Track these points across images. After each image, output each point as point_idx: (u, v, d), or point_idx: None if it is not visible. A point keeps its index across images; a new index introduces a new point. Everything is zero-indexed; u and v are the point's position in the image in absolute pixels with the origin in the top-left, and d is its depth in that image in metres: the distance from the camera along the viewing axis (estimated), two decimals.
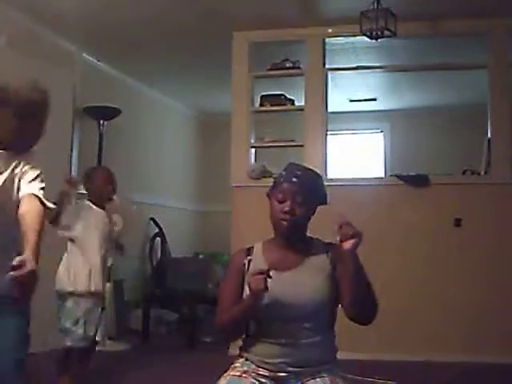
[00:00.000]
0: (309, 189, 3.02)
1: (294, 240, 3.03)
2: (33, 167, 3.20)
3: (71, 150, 6.95)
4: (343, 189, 6.58)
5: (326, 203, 3.21)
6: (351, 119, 10.00)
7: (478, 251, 6.24)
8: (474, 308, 6.14)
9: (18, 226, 2.82)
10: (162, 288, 7.94)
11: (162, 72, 8.36)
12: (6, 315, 2.90)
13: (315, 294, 2.87)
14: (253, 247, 3.14)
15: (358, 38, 6.11)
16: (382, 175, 9.20)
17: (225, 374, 2.89)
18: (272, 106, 7.03)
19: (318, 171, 3.14)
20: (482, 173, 6.54)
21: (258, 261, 3.01)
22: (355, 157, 10.38)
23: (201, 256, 9.72)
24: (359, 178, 7.13)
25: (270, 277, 2.70)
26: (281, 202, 3.01)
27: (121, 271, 7.57)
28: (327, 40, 6.82)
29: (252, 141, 6.95)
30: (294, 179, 2.98)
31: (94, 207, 4.78)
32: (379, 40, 5.82)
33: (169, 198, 9.25)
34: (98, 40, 7.11)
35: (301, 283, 2.88)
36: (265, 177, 6.70)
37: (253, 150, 7.01)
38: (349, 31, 6.44)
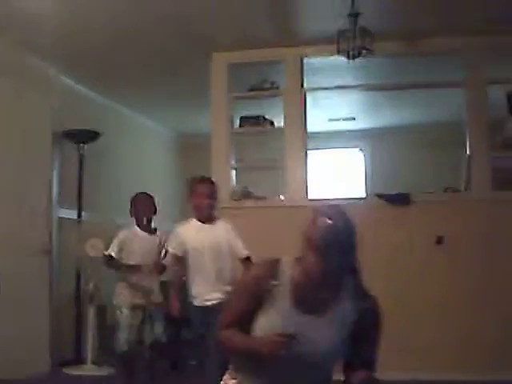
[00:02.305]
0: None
1: (328, 283, 2.73)
2: None
3: (51, 174, 6.92)
4: None
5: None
6: (331, 138, 10.03)
7: (460, 268, 6.25)
8: (457, 324, 6.14)
9: None
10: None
11: (141, 94, 8.36)
12: None
13: (332, 348, 2.71)
14: (280, 265, 2.85)
15: (336, 57, 6.12)
16: (363, 194, 9.20)
17: None
18: (252, 126, 7.04)
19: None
20: (463, 189, 6.56)
21: (282, 294, 2.72)
22: (336, 176, 10.39)
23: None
24: (340, 199, 7.11)
25: (294, 339, 2.52)
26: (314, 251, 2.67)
27: (104, 297, 7.51)
28: (305, 60, 6.84)
29: (232, 162, 6.95)
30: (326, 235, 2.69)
31: (140, 233, 5.75)
32: (356, 60, 5.83)
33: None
34: (76, 63, 7.09)
35: (321, 333, 2.69)
36: (247, 198, 6.71)
37: (234, 171, 7.00)
38: (327, 51, 6.43)
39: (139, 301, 5.61)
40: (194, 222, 4.96)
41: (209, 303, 4.79)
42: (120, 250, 5.69)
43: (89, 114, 7.82)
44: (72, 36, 6.36)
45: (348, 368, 2.77)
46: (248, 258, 4.99)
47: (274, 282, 2.74)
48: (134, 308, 5.52)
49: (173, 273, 5.13)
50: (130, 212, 5.82)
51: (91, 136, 7.39)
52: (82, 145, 7.41)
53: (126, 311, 5.50)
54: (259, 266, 2.95)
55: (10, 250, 6.18)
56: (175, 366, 6.97)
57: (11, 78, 6.34)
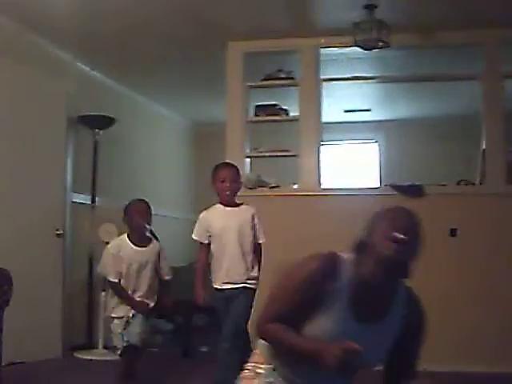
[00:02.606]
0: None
1: (388, 292, 2.63)
2: None
3: (66, 159, 6.95)
4: (338, 199, 6.62)
5: None
6: (346, 129, 10.01)
7: (473, 261, 6.25)
8: (469, 316, 6.14)
9: None
10: (157, 297, 7.91)
11: (157, 82, 8.37)
12: None
13: (383, 355, 2.66)
14: (339, 262, 2.63)
15: (352, 48, 6.12)
16: (377, 185, 9.20)
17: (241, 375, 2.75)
18: (267, 116, 7.05)
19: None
20: (477, 183, 6.55)
21: (341, 296, 2.55)
22: (350, 167, 10.39)
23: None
24: (354, 188, 7.13)
25: (360, 354, 2.32)
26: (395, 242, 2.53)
27: None
28: (321, 50, 6.83)
29: (247, 151, 6.96)
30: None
31: (134, 248, 5.25)
32: (373, 51, 5.83)
33: (164, 207, 9.24)
34: (92, 49, 7.12)
35: (376, 342, 2.56)
36: (260, 186, 6.72)
37: (248, 160, 7.02)
38: (343, 42, 6.45)
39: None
40: (218, 207, 5.00)
41: (229, 286, 4.85)
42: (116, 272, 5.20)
43: (104, 101, 7.84)
44: (88, 22, 6.38)
45: (389, 370, 2.75)
46: (260, 244, 5.09)
47: (335, 284, 2.54)
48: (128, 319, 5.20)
49: (197, 261, 5.10)
50: (124, 220, 5.37)
51: (106, 122, 7.41)
52: (96, 130, 7.43)
53: (119, 322, 5.14)
54: (317, 259, 2.61)
55: (24, 235, 6.21)
56: (186, 353, 6.99)
57: (27, 63, 6.37)
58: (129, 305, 5.12)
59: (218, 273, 4.93)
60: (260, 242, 5.06)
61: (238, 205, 5.05)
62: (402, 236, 2.53)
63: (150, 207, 5.38)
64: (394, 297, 2.63)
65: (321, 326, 2.54)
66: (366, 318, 2.55)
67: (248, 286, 4.88)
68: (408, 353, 2.72)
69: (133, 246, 5.22)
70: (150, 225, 5.37)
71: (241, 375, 2.76)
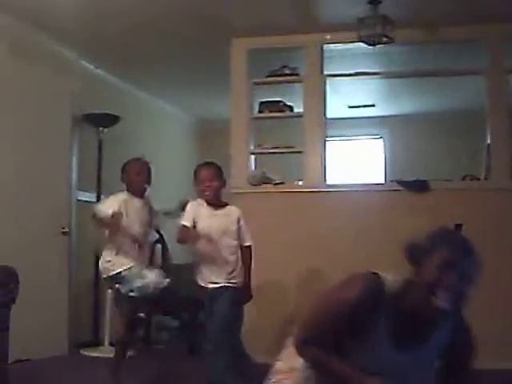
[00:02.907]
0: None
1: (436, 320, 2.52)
2: None
3: (71, 158, 6.96)
4: (343, 194, 6.62)
5: None
6: (350, 125, 10.00)
7: None
8: (472, 313, 6.13)
9: None
10: (163, 294, 7.92)
11: (161, 79, 8.37)
12: None
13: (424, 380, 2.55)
14: (384, 285, 2.52)
15: (356, 44, 6.11)
16: (382, 181, 9.20)
17: None
18: (271, 112, 7.04)
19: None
20: (482, 178, 6.55)
21: (385, 322, 2.47)
22: (354, 163, 10.39)
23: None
24: (359, 184, 7.13)
25: None
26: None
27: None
28: (325, 46, 6.83)
29: (251, 147, 6.96)
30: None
31: (133, 197, 5.24)
32: (377, 46, 5.83)
33: (168, 204, 9.23)
34: (97, 47, 7.12)
35: (419, 369, 2.49)
36: (265, 183, 6.72)
37: (252, 157, 7.02)
38: (347, 38, 6.43)
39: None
40: (205, 206, 4.99)
41: (212, 286, 4.83)
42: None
43: (108, 99, 7.85)
44: (92, 21, 6.39)
45: None
46: (248, 247, 5.01)
47: (380, 308, 2.45)
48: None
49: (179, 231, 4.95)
50: (122, 179, 5.39)
51: (111, 120, 7.42)
52: (101, 129, 7.44)
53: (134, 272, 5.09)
54: (363, 281, 2.53)
55: (30, 234, 6.23)
56: (192, 350, 7.00)
57: (31, 61, 6.39)
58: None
59: (202, 273, 4.92)
60: (246, 244, 4.98)
61: (223, 205, 5.06)
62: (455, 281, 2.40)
63: (149, 166, 5.53)
64: (438, 323, 2.51)
65: (368, 354, 2.47)
66: (406, 344, 2.46)
67: (231, 285, 4.84)
68: (458, 376, 2.61)
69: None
70: (149, 184, 5.51)
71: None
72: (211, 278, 4.83)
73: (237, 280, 4.87)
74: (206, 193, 4.96)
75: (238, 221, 4.97)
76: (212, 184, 4.99)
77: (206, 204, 4.98)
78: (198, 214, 4.91)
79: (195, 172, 5.16)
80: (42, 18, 6.21)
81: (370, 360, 2.43)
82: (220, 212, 4.97)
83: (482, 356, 5.29)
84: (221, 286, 4.80)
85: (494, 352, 5.98)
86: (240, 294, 4.89)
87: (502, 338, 6.04)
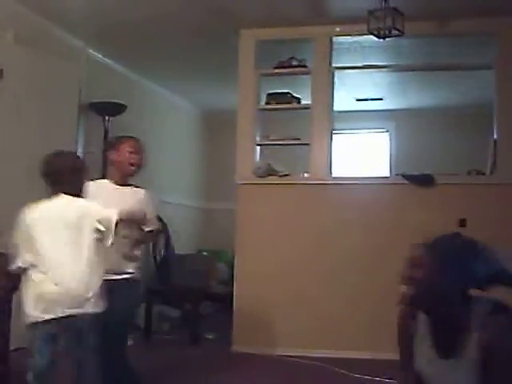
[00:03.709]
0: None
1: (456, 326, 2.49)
2: None
3: (76, 146, 6.95)
4: (348, 188, 6.61)
5: None
6: (357, 118, 9.98)
7: None
8: None
9: None
10: (165, 284, 7.93)
11: (168, 69, 8.36)
12: None
13: None
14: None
15: (366, 37, 6.08)
16: (387, 174, 9.20)
17: None
18: (278, 104, 7.03)
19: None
20: (488, 173, 6.52)
21: (423, 335, 2.58)
22: (360, 156, 10.38)
23: (204, 253, 9.74)
24: (364, 177, 7.12)
25: None
26: None
27: None
28: (334, 39, 6.81)
29: (257, 139, 6.95)
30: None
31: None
32: (386, 39, 5.80)
33: (173, 194, 9.24)
34: (104, 36, 7.11)
35: (459, 377, 2.43)
36: (270, 175, 6.71)
37: (258, 148, 7.01)
38: (356, 30, 6.42)
39: None
40: (107, 184, 4.36)
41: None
42: None
43: (115, 88, 7.84)
44: (100, 10, 6.37)
45: None
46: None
47: (415, 324, 2.59)
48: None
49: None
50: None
51: (117, 109, 7.41)
52: (107, 117, 7.43)
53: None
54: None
55: None
56: (194, 340, 7.00)
57: (40, 50, 6.37)
58: None
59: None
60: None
61: (130, 185, 4.38)
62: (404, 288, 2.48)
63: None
64: (466, 326, 2.43)
65: (420, 368, 2.56)
66: (446, 353, 2.46)
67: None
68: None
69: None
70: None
71: None
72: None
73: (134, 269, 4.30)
74: (133, 168, 4.31)
75: (145, 202, 4.26)
76: (142, 159, 4.38)
77: (109, 182, 4.39)
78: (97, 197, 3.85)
79: (117, 140, 4.46)
80: (49, 6, 6.21)
81: (425, 374, 2.58)
82: (126, 191, 4.30)
83: None
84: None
85: None
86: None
87: None
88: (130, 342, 6.74)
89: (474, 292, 2.48)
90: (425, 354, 2.53)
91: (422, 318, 2.53)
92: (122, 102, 7.41)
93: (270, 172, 6.74)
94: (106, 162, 7.26)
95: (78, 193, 3.71)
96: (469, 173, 6.64)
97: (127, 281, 4.18)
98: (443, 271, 2.42)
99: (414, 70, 7.50)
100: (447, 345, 2.45)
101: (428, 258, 2.47)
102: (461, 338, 2.41)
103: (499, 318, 2.37)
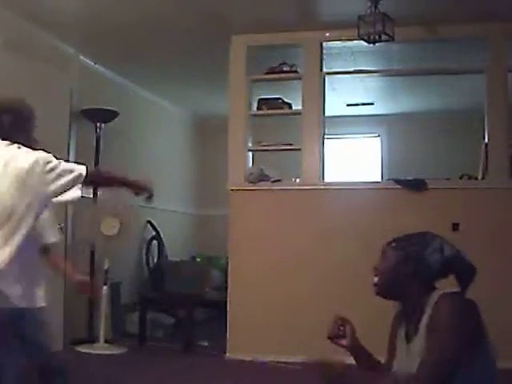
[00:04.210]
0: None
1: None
2: None
3: (68, 153, 6.93)
4: (340, 193, 6.62)
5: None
6: (348, 123, 10.00)
7: (475, 256, 6.18)
8: None
9: None
10: (159, 291, 7.93)
11: (160, 75, 8.36)
12: None
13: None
14: None
15: (356, 42, 6.10)
16: (379, 179, 9.21)
17: None
18: (269, 109, 7.03)
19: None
20: (480, 177, 6.54)
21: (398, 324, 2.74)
22: (352, 161, 10.39)
23: (198, 260, 9.73)
24: (356, 182, 7.14)
25: None
26: None
27: (117, 274, 7.56)
28: (325, 44, 6.82)
29: (249, 144, 6.95)
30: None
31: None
32: (377, 44, 5.81)
33: (166, 201, 9.23)
34: (95, 43, 7.11)
35: (411, 363, 2.45)
36: (262, 180, 6.71)
37: (250, 154, 7.01)
38: (346, 35, 6.44)
39: None
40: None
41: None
42: None
43: (106, 94, 7.83)
44: (91, 16, 6.37)
45: None
46: None
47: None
48: None
49: None
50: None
51: (109, 115, 7.40)
52: (99, 124, 7.42)
53: None
54: None
55: None
56: (187, 347, 6.99)
57: (29, 57, 6.35)
58: None
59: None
60: None
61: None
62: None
63: None
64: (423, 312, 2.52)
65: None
66: (408, 338, 2.61)
67: None
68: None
69: None
70: None
71: None
72: None
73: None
74: None
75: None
76: None
77: None
78: None
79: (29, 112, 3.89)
80: (40, 13, 6.19)
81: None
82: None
83: None
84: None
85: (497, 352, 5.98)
86: None
87: (502, 337, 6.02)
88: (123, 349, 6.77)
89: (438, 284, 2.65)
90: (400, 349, 2.63)
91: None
92: (114, 109, 7.40)
93: (262, 177, 6.74)
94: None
95: None
96: (461, 177, 6.66)
97: None
98: (402, 263, 2.59)
99: (404, 75, 7.51)
100: (409, 331, 2.58)
101: (390, 250, 2.66)
102: (417, 324, 2.52)
103: (447, 299, 2.47)
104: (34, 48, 6.51)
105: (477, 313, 2.54)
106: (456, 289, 2.60)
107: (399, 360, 2.61)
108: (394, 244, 2.68)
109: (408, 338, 2.59)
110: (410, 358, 2.50)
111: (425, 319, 2.47)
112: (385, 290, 2.66)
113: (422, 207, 6.36)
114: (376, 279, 2.67)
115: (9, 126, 3.54)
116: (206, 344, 7.17)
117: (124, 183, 3.82)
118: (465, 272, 2.74)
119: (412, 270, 2.58)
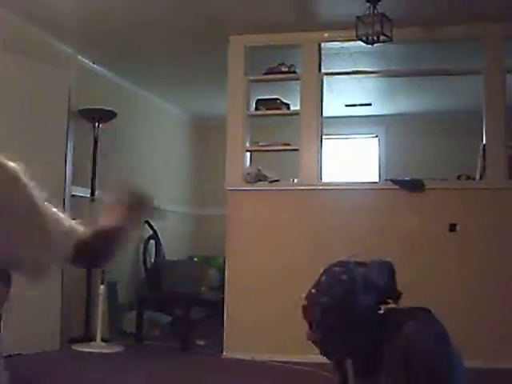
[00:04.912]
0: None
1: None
2: None
3: (66, 153, 6.94)
4: (338, 193, 6.62)
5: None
6: (346, 124, 10.01)
7: (473, 256, 6.24)
8: (469, 312, 6.13)
9: None
10: (156, 290, 7.93)
11: (158, 75, 8.36)
12: None
13: None
14: None
15: (354, 42, 6.11)
16: (377, 180, 9.22)
17: None
18: (267, 110, 7.04)
19: None
20: (477, 178, 6.55)
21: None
22: (350, 161, 10.40)
23: (195, 259, 9.74)
24: (354, 183, 7.15)
25: None
26: None
27: (114, 273, 7.56)
28: (323, 45, 6.82)
29: (247, 144, 6.95)
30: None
31: None
32: (375, 45, 5.82)
33: (163, 200, 9.21)
34: (93, 43, 7.11)
35: None
36: (260, 180, 6.71)
37: (248, 154, 7.01)
38: (344, 36, 6.44)
39: None
40: None
41: None
42: None
43: (104, 94, 7.83)
44: (89, 16, 6.37)
45: None
46: None
47: None
48: None
49: None
50: None
51: (106, 115, 7.39)
52: (97, 124, 7.42)
53: None
54: None
55: None
56: (184, 346, 6.99)
57: (29, 56, 6.36)
58: None
59: None
60: None
61: None
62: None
63: None
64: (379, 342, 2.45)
65: None
66: (366, 374, 2.49)
67: None
68: None
69: None
70: None
71: None
72: None
73: None
74: None
75: None
76: None
77: None
78: None
79: None
80: (39, 12, 6.19)
81: None
82: None
83: (481, 356, 5.27)
84: None
85: (492, 352, 6.00)
86: None
87: (501, 337, 6.04)
88: (120, 348, 6.78)
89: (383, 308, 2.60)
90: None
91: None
92: (112, 109, 7.40)
93: (260, 178, 6.74)
94: (95, 172, 7.30)
95: None
96: (458, 178, 6.67)
97: None
98: (327, 293, 2.61)
99: (402, 76, 7.53)
100: (364, 365, 2.47)
101: (320, 281, 2.70)
102: (373, 356, 2.43)
103: (409, 324, 2.44)
104: (32, 48, 6.52)
105: (441, 325, 2.57)
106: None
107: None
108: (323, 274, 2.74)
109: (363, 374, 2.46)
110: None
111: (387, 349, 2.38)
112: (308, 313, 2.64)
113: (420, 207, 6.37)
114: (303, 301, 2.67)
115: None
116: (203, 343, 7.17)
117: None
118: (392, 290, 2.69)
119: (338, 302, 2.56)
